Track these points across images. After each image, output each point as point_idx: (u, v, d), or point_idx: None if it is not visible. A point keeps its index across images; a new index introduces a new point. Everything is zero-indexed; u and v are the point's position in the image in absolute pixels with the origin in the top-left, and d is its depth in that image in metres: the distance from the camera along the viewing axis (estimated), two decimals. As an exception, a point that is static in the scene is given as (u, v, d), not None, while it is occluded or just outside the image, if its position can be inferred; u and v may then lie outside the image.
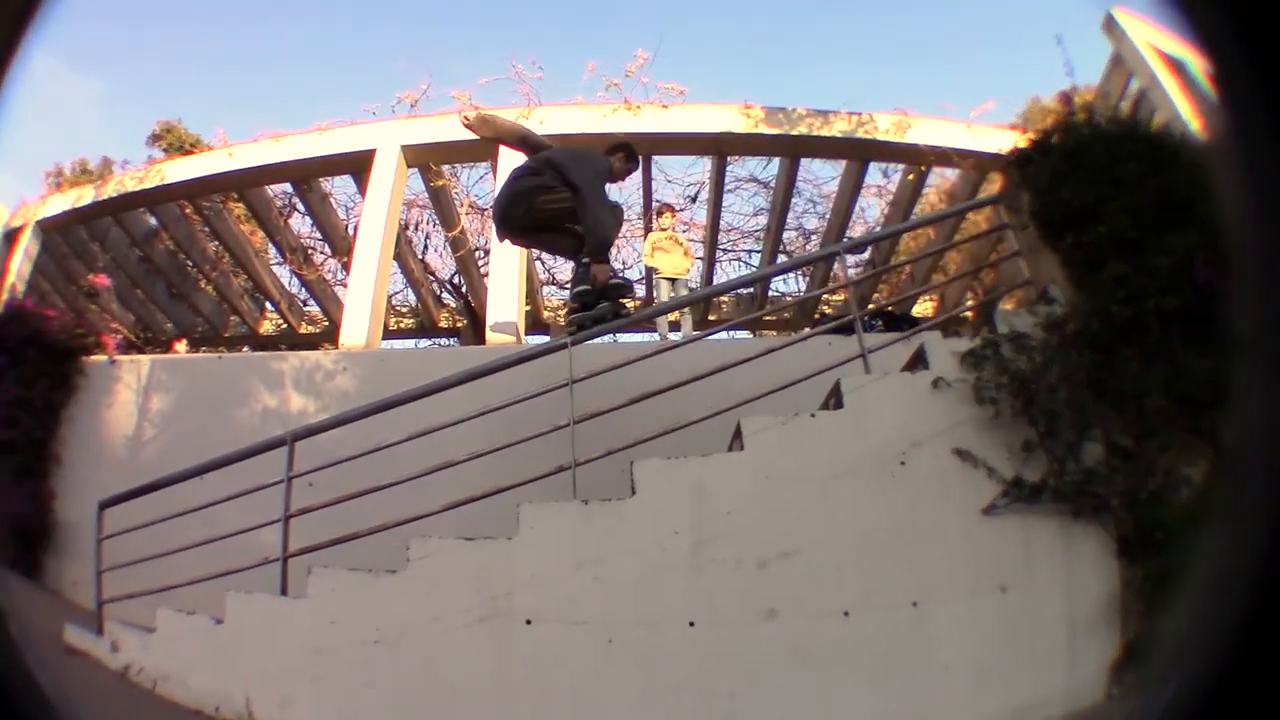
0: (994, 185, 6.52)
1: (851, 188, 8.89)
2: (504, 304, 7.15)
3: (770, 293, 11.21)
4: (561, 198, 4.27)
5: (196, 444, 5.07)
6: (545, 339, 5.23)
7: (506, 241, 4.92)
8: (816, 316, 10.18)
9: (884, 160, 8.47)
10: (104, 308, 9.47)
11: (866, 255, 8.26)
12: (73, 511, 6.46)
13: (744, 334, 10.70)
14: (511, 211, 4.44)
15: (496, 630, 3.51)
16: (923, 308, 9.88)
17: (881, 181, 9.43)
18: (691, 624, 3.51)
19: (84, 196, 9.17)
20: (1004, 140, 6.04)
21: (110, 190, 9.00)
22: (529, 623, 3.50)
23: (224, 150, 8.60)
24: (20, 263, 8.74)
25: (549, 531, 3.56)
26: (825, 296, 10.24)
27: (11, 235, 9.30)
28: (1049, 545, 3.56)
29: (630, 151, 4.81)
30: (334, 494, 3.95)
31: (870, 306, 4.15)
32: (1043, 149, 4.16)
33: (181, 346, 9.52)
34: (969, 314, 5.83)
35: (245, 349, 11.31)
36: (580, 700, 3.47)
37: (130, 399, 6.71)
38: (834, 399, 3.92)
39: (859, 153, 8.15)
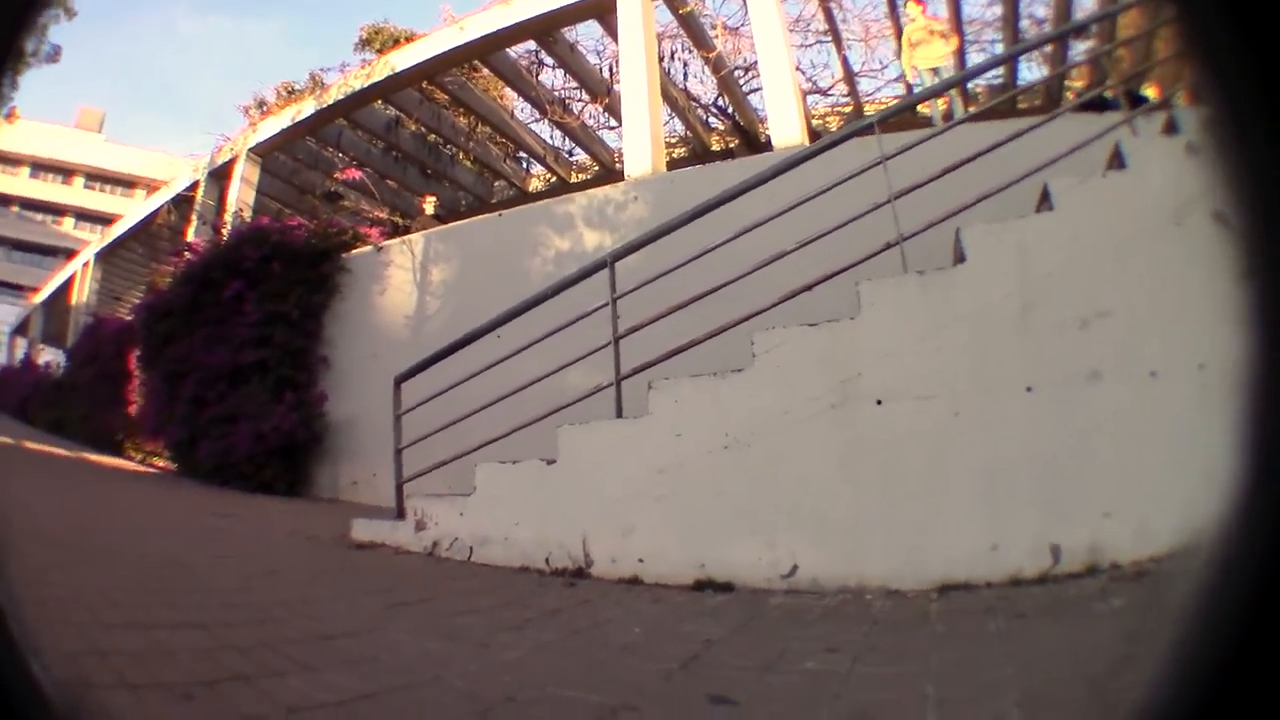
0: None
1: (1064, -28, 8.79)
2: (784, 110, 7.16)
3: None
4: None
5: (485, 304, 5.08)
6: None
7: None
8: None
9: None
10: (355, 205, 9.47)
11: (1093, 40, 8.66)
12: (348, 409, 6.53)
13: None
14: None
15: (847, 415, 3.53)
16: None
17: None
18: (1029, 389, 3.53)
19: (303, 110, 9.28)
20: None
21: (335, 94, 9.08)
22: (879, 403, 3.51)
23: (453, 27, 8.65)
24: (240, 190, 8.92)
25: (889, 306, 3.55)
26: (1065, 82, 10.66)
27: (222, 171, 9.48)
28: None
29: None
30: (637, 321, 3.97)
31: (1113, 81, 4.23)
32: None
33: (429, 205, 9.42)
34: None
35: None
36: (928, 479, 3.45)
37: (406, 279, 6.77)
38: (1116, 161, 3.97)
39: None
